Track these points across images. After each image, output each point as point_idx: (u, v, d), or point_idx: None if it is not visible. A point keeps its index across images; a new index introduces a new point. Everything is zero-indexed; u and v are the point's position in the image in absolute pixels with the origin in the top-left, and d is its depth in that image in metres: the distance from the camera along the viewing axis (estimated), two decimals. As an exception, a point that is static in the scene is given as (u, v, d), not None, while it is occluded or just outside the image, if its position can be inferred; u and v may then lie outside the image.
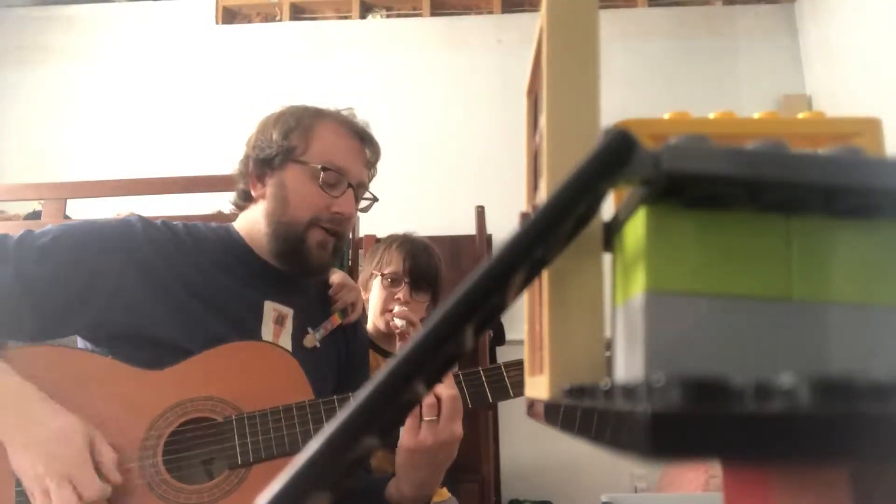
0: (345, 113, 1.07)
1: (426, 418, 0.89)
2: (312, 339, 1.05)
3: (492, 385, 0.95)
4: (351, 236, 1.96)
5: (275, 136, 1.02)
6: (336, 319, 1.10)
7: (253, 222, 1.04)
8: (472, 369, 0.97)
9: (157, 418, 0.87)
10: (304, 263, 1.01)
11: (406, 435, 0.90)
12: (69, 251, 0.91)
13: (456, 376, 0.95)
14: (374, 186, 1.09)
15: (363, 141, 1.06)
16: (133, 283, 0.92)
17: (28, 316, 0.88)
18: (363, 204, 1.08)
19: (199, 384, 0.89)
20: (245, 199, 1.07)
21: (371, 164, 1.08)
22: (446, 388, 0.90)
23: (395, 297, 1.48)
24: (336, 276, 1.15)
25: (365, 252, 1.92)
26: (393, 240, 1.57)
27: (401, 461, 0.94)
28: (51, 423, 0.82)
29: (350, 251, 2.15)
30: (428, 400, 0.89)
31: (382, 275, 1.51)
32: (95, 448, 0.83)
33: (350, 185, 1.02)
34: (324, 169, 1.00)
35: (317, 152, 1.01)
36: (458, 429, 0.90)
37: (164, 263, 0.95)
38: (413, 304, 1.48)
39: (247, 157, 1.04)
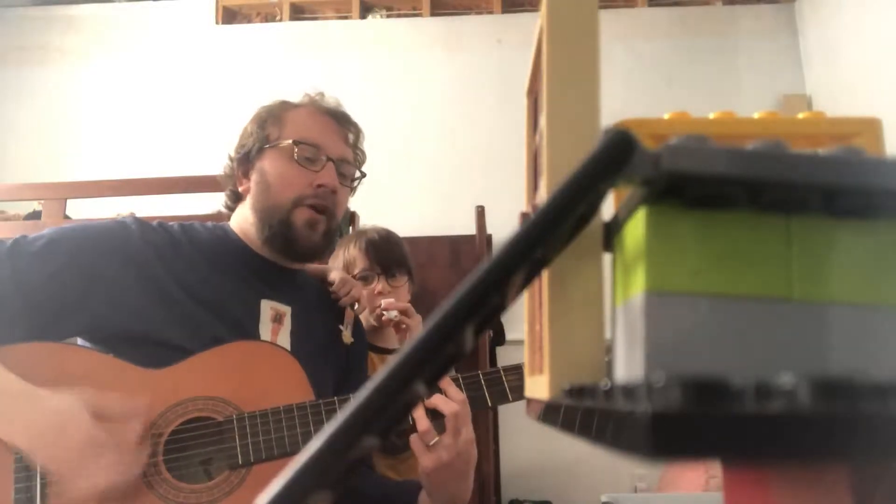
0: (315, 97, 1.09)
1: (429, 443, 0.90)
2: (348, 335, 1.06)
3: (491, 389, 0.96)
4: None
5: (250, 130, 1.05)
6: (351, 313, 1.12)
7: (244, 217, 1.05)
8: (471, 373, 0.97)
9: (157, 417, 0.87)
10: (294, 246, 1.01)
11: (422, 459, 0.91)
12: (66, 254, 0.91)
13: (455, 380, 0.95)
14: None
15: (336, 118, 1.07)
16: (130, 284, 0.92)
17: (23, 319, 0.88)
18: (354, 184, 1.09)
19: (200, 383, 0.89)
20: (235, 200, 1.08)
21: (354, 144, 1.08)
22: (447, 405, 0.90)
23: (376, 291, 1.48)
24: (334, 275, 1.16)
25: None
26: (347, 241, 1.55)
27: (427, 483, 0.95)
28: (46, 411, 0.80)
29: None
30: (423, 426, 0.89)
31: (353, 277, 1.50)
32: (99, 408, 0.82)
33: (330, 160, 1.02)
34: (297, 143, 1.01)
35: (290, 133, 1.03)
36: (469, 435, 0.92)
37: (161, 264, 0.95)
38: (394, 293, 1.48)
39: (230, 160, 1.07)
